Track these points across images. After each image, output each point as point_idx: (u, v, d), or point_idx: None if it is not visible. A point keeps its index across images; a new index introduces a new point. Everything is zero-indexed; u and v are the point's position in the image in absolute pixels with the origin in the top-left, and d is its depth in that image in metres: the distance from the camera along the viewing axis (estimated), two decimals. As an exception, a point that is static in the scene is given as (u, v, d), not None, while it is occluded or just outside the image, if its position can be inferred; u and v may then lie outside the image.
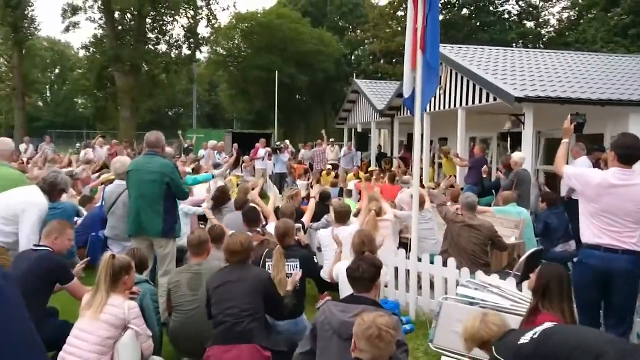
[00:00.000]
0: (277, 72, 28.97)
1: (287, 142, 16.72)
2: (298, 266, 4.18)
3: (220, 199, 6.48)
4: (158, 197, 4.65)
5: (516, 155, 8.19)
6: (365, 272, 2.99)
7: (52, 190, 4.43)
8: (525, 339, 2.42)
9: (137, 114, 28.28)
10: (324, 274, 5.04)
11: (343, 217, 5.62)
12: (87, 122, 44.30)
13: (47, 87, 58.64)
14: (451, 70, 11.28)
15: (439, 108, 11.95)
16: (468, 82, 10.59)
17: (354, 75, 24.37)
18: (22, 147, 16.07)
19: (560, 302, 3.03)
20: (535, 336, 2.39)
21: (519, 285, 4.20)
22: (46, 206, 4.23)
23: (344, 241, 4.81)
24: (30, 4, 28.26)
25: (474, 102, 10.41)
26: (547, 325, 2.48)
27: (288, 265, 4.19)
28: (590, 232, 3.62)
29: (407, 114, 14.63)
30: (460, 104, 10.90)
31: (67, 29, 28.70)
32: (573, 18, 30.12)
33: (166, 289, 4.09)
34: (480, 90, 10.05)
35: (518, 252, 5.84)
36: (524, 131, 8.81)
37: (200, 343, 3.48)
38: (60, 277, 3.58)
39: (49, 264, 3.52)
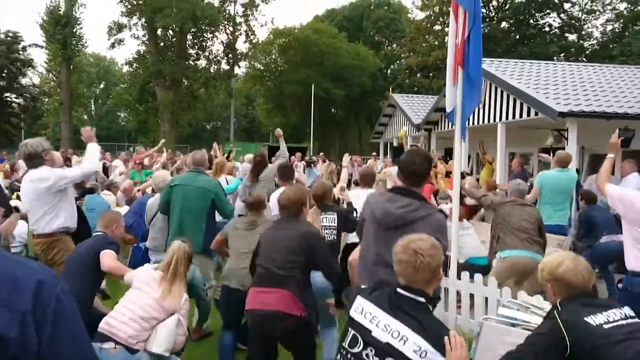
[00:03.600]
0: (313, 86, 29.17)
1: (320, 155, 16.83)
2: (335, 219, 4.25)
3: (260, 164, 6.35)
4: (202, 212, 4.66)
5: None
6: (421, 165, 2.84)
7: (32, 160, 4.14)
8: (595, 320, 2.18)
9: (177, 127, 28.98)
10: None
11: (368, 179, 5.85)
12: (128, 135, 45.77)
13: (92, 101, 60.92)
14: (490, 84, 11.10)
15: (478, 122, 11.76)
16: (508, 96, 10.40)
17: (390, 89, 24.29)
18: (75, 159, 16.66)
19: None
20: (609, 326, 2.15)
21: (563, 307, 4.03)
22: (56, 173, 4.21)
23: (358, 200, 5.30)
24: (79, 22, 29.54)
25: (514, 117, 10.20)
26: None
27: (325, 217, 4.27)
28: (636, 258, 3.46)
29: (444, 128, 14.45)
30: (500, 119, 10.69)
31: (112, 46, 29.80)
32: (617, 30, 29.27)
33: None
34: (521, 104, 9.85)
35: (562, 272, 5.61)
36: (567, 146, 8.55)
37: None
38: (110, 247, 3.71)
39: (105, 240, 3.79)
